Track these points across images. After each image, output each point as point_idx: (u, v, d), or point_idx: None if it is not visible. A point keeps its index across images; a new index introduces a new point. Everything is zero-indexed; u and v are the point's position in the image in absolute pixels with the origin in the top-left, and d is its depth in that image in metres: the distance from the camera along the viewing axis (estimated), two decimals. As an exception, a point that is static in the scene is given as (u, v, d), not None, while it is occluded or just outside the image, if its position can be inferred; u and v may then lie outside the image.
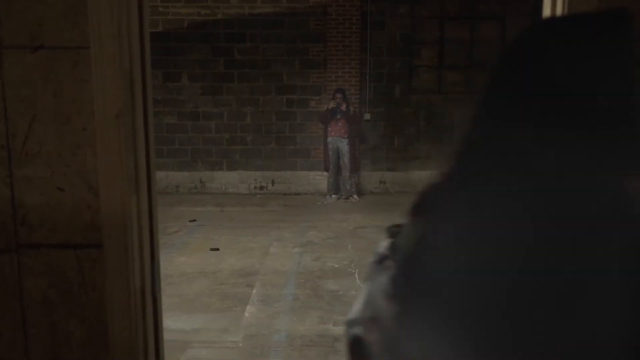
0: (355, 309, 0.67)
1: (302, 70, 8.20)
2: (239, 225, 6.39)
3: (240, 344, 3.23)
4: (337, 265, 4.78)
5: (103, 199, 1.12)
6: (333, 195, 7.96)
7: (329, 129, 7.77)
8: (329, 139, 7.78)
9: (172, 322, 3.54)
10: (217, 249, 5.28)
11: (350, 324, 0.65)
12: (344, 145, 7.74)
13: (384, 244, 0.65)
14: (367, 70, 8.17)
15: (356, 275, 4.49)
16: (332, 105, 7.60)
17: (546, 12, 1.20)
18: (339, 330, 3.42)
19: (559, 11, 1.12)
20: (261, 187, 8.46)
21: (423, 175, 8.37)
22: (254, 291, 4.14)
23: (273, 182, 8.44)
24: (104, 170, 1.11)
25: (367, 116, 8.27)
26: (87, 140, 1.12)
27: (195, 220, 6.60)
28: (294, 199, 8.08)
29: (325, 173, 8.07)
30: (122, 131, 1.11)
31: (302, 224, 6.45)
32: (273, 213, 7.10)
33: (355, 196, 7.94)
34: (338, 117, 7.66)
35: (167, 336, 3.32)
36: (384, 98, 8.27)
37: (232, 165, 8.42)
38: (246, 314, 3.69)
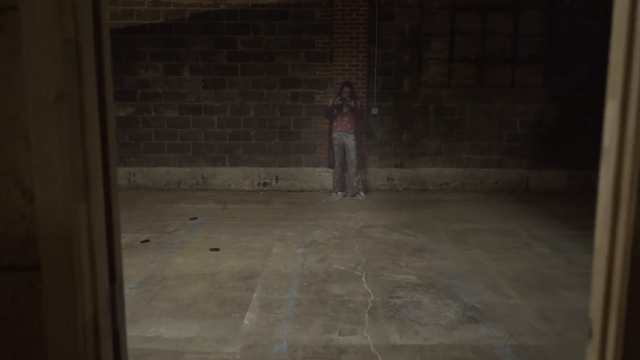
0: None
1: (308, 62, 7.93)
2: (241, 223, 6.14)
3: (238, 356, 2.98)
4: (343, 268, 4.52)
5: (40, 206, 0.86)
6: (339, 193, 7.70)
7: (335, 124, 7.50)
8: (335, 134, 7.51)
9: (166, 330, 3.29)
10: (217, 249, 5.04)
11: None
12: (350, 141, 7.48)
13: None
14: (374, 63, 7.88)
15: (363, 279, 4.23)
16: (338, 101, 7.32)
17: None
18: (345, 340, 3.16)
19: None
20: (265, 184, 8.21)
21: (432, 172, 8.10)
22: (254, 295, 3.89)
23: (277, 179, 8.19)
24: (42, 170, 0.86)
25: (375, 110, 8.00)
26: (20, 131, 0.86)
27: (195, 218, 6.36)
28: (299, 196, 7.83)
29: (331, 170, 7.81)
30: (65, 119, 0.85)
31: (307, 222, 6.20)
32: (276, 211, 6.85)
33: (361, 193, 7.67)
34: (344, 111, 7.40)
35: (159, 346, 3.09)
36: (392, 92, 7.99)
37: (234, 161, 8.17)
38: (245, 322, 3.44)
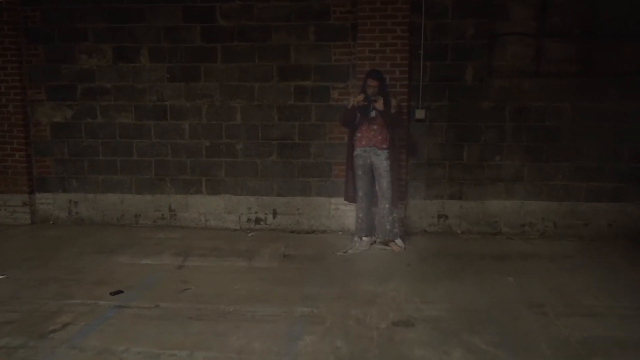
0: None
1: (320, 42, 5.31)
2: (186, 310, 3.60)
3: None
4: None
5: None
6: (364, 239, 5.06)
7: (358, 134, 4.87)
8: (358, 151, 4.88)
9: None
10: (92, 401, 2.52)
11: None
12: (381, 161, 4.82)
13: None
14: (420, 42, 5.18)
15: None
16: (360, 99, 4.67)
17: None
18: None
19: None
20: (257, 220, 5.65)
21: (508, 207, 5.33)
22: None
23: (275, 213, 5.61)
24: None
25: (420, 114, 5.28)
26: None
27: (120, 293, 3.89)
28: (304, 242, 5.23)
29: (353, 203, 5.16)
30: None
31: (298, 308, 3.60)
32: (260, 275, 4.28)
33: (398, 241, 4.99)
34: (372, 116, 4.75)
35: None
36: (448, 85, 5.26)
37: (214, 187, 5.66)
38: None
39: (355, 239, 5.12)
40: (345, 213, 5.49)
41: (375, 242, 5.08)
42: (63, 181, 5.82)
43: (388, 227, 4.94)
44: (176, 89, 5.54)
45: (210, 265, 4.56)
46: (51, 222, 5.90)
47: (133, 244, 5.15)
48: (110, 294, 3.87)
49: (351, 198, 5.05)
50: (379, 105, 4.64)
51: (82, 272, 4.37)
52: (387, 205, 4.90)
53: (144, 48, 5.50)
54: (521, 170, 5.30)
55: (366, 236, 5.07)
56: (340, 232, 5.52)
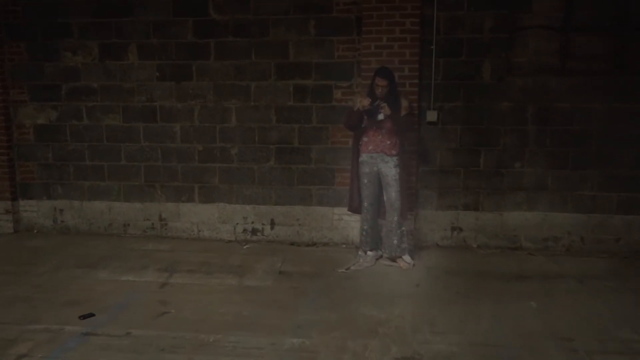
0: None
1: (321, 37, 4.85)
2: (160, 337, 3.16)
3: None
4: None
5: None
6: (369, 253, 4.58)
7: (364, 139, 4.39)
8: (364, 157, 4.40)
9: None
10: None
11: None
12: (389, 168, 4.34)
13: None
14: (432, 36, 4.69)
15: None
16: (365, 104, 4.20)
17: None
18: None
19: None
20: (254, 231, 5.21)
21: (530, 220, 4.81)
22: None
23: (273, 224, 5.16)
24: None
25: (432, 115, 4.79)
26: None
27: (91, 316, 3.47)
28: (304, 256, 4.77)
29: (358, 214, 4.69)
30: None
31: (288, 339, 3.14)
32: (249, 295, 3.84)
33: (406, 257, 4.50)
34: (380, 118, 4.27)
35: None
36: (462, 84, 4.76)
37: (208, 194, 5.23)
38: None
39: (360, 253, 4.64)
40: (349, 224, 5.02)
41: (381, 257, 4.61)
42: (48, 187, 5.45)
43: (395, 241, 4.45)
44: (166, 89, 5.12)
45: (196, 283, 4.12)
46: (35, 231, 5.52)
47: (117, 256, 4.74)
48: (80, 317, 3.45)
49: (356, 208, 4.57)
50: (386, 111, 4.16)
51: (56, 290, 3.96)
52: (395, 218, 4.41)
53: (132, 44, 5.10)
54: (544, 178, 4.77)
55: (371, 250, 4.60)
56: (343, 245, 5.05)
